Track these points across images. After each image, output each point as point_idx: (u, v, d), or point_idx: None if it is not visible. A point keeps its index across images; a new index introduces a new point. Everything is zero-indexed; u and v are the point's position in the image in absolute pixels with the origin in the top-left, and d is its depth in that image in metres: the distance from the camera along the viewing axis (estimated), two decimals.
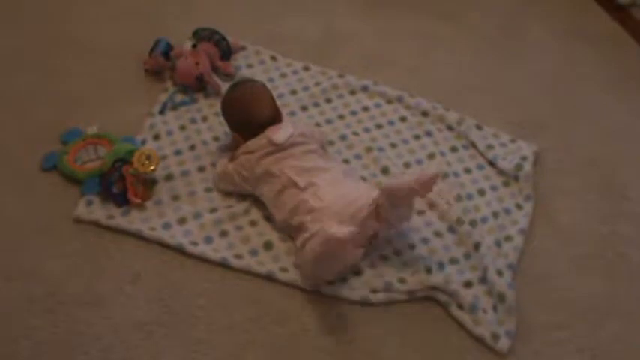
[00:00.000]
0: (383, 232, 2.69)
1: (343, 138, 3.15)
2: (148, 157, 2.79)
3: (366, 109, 3.32)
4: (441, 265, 2.72)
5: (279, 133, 2.78)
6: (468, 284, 2.67)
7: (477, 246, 2.77)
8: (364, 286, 2.62)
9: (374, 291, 2.61)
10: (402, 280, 2.62)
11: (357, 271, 2.66)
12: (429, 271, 2.67)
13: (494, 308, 2.60)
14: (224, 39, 3.37)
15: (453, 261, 2.75)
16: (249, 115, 2.85)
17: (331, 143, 3.12)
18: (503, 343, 2.51)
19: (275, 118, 2.87)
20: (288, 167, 2.71)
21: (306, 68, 3.48)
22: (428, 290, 2.62)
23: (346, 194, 2.63)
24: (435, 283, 2.61)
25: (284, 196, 2.68)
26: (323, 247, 2.33)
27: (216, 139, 3.07)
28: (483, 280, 2.68)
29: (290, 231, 2.71)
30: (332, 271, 2.57)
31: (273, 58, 3.51)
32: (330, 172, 2.75)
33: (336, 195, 2.61)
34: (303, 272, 2.59)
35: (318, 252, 2.35)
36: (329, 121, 3.24)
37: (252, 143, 2.79)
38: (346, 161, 3.04)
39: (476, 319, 2.56)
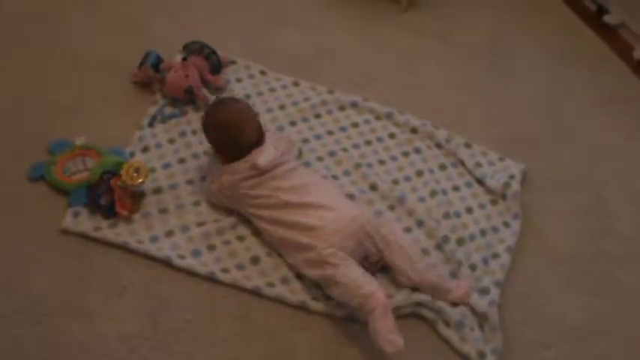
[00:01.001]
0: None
1: (332, 154, 3.15)
2: (137, 170, 2.79)
3: (355, 125, 3.33)
4: None
5: (263, 157, 2.75)
6: (454, 303, 2.67)
7: (459, 266, 2.79)
8: None
9: None
10: (388, 297, 2.62)
11: None
12: (415, 288, 2.67)
13: (480, 326, 2.60)
14: (214, 52, 3.37)
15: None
16: (236, 139, 2.80)
17: (320, 159, 3.12)
18: None
19: (260, 140, 2.84)
20: (275, 188, 2.71)
21: (296, 84, 3.48)
22: (414, 307, 2.63)
23: (345, 212, 2.65)
24: (421, 300, 2.61)
25: (278, 213, 2.67)
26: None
27: (205, 152, 3.06)
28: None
29: (281, 247, 2.71)
30: None
31: (263, 73, 3.51)
32: (321, 188, 2.77)
33: (334, 213, 2.62)
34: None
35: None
36: (318, 137, 3.23)
37: (235, 166, 2.77)
38: (335, 177, 3.04)
39: (462, 337, 2.56)
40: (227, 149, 2.83)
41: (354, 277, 2.50)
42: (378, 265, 2.71)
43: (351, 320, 2.58)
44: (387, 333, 2.37)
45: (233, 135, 2.79)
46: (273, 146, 2.84)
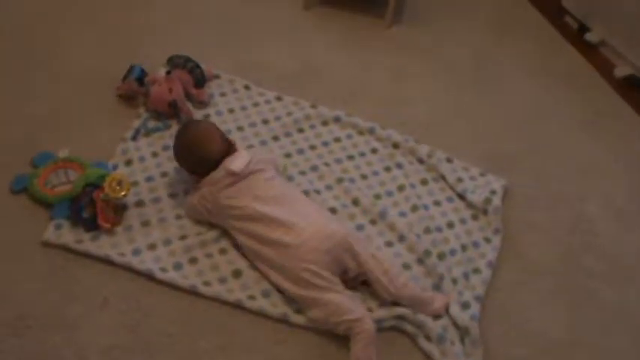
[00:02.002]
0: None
1: (314, 168, 3.16)
2: (119, 183, 2.79)
3: (337, 140, 3.34)
4: None
5: (236, 162, 2.78)
6: (437, 316, 2.68)
7: (441, 279, 2.79)
8: None
9: None
10: (369, 310, 2.63)
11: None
12: (395, 302, 2.68)
13: (462, 340, 2.61)
14: (198, 66, 3.39)
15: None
16: (201, 154, 2.83)
17: (302, 173, 3.14)
18: None
19: (228, 151, 2.87)
20: (253, 197, 2.72)
21: (279, 98, 3.49)
22: (395, 320, 2.63)
23: (321, 227, 2.66)
24: (402, 313, 2.62)
25: (254, 226, 2.68)
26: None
27: None
28: (448, 313, 2.70)
29: (261, 263, 2.72)
30: None
31: (247, 87, 3.52)
32: (299, 201, 2.80)
33: (311, 227, 2.63)
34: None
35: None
36: (300, 152, 3.25)
37: (213, 175, 2.79)
38: (317, 192, 3.06)
39: (443, 351, 2.57)
40: (199, 168, 2.85)
41: (340, 300, 2.53)
42: (358, 280, 2.72)
43: (332, 333, 2.58)
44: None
45: (199, 154, 2.84)
46: (246, 152, 2.88)
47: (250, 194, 2.73)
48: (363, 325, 2.49)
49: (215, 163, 2.81)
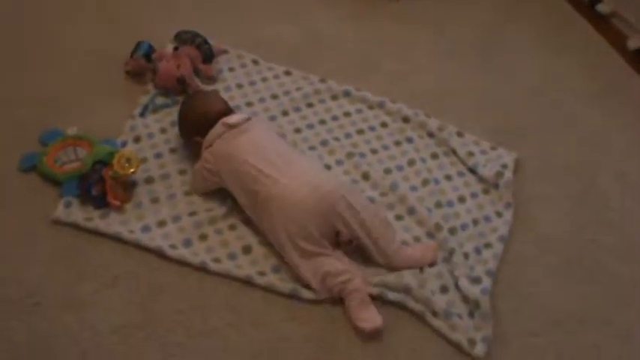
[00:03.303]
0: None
1: (324, 143, 3.15)
2: (128, 160, 2.78)
3: (347, 114, 3.32)
4: (420, 269, 2.73)
5: (233, 117, 2.83)
6: (444, 289, 2.68)
7: (451, 253, 2.78)
8: None
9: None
10: (379, 281, 2.65)
11: None
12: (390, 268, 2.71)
13: (471, 314, 2.61)
14: (206, 42, 3.37)
15: (431, 265, 2.76)
16: (203, 111, 2.88)
17: (312, 148, 3.12)
18: (480, 349, 2.52)
19: (227, 111, 2.92)
20: (248, 152, 2.72)
21: (288, 73, 3.48)
22: (399, 294, 2.62)
23: (317, 187, 2.64)
24: (409, 283, 2.61)
25: (250, 182, 2.68)
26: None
27: None
28: (456, 287, 2.69)
29: (259, 221, 2.72)
30: None
31: (255, 62, 3.51)
32: (295, 159, 2.78)
33: (307, 189, 2.62)
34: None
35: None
36: (310, 126, 3.23)
37: (209, 135, 2.81)
38: (327, 167, 3.05)
39: (452, 326, 2.57)
40: (199, 126, 2.86)
41: (330, 263, 2.59)
42: (352, 245, 2.70)
43: (342, 311, 2.58)
44: (363, 321, 2.52)
45: (199, 110, 2.91)
46: (248, 116, 2.93)
47: (246, 149, 2.73)
48: (354, 284, 2.54)
49: (213, 120, 2.83)
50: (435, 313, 2.59)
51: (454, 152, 3.20)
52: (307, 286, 2.60)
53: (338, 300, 2.59)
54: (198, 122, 2.87)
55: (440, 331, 2.56)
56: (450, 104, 3.47)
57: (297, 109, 3.31)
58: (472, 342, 2.53)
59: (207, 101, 2.95)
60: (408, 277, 2.63)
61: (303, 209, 2.57)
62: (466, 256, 2.78)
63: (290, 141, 3.08)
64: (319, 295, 2.58)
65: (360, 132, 3.25)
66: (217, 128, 2.80)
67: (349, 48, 3.75)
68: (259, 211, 2.67)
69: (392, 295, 2.61)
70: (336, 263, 2.59)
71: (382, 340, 2.53)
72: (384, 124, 3.29)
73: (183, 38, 3.37)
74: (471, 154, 3.18)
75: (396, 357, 2.51)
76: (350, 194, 2.69)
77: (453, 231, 2.86)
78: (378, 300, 2.60)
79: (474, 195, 3.05)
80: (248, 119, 2.86)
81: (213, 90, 3.17)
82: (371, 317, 2.53)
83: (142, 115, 3.14)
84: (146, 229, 2.72)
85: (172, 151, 3.02)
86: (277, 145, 2.83)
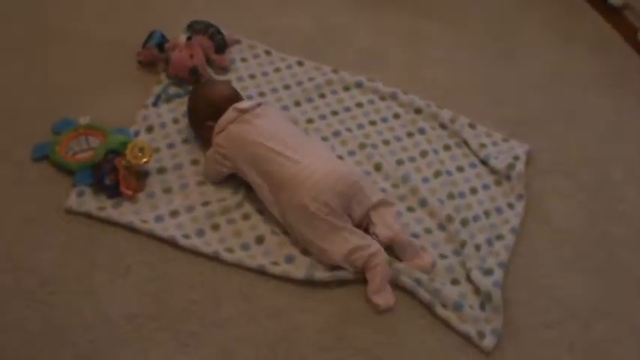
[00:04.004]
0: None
1: (337, 134, 3.15)
2: (141, 149, 2.79)
3: (359, 105, 3.32)
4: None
5: (245, 103, 2.85)
6: (455, 281, 2.69)
7: (463, 245, 2.78)
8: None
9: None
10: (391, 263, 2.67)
11: None
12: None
13: (482, 306, 2.61)
14: (219, 32, 3.37)
15: (443, 257, 2.76)
16: (213, 97, 2.90)
17: (325, 139, 3.12)
18: (489, 341, 2.52)
19: (238, 98, 2.95)
20: (263, 136, 2.73)
21: (300, 63, 3.47)
22: (411, 280, 2.63)
23: (335, 167, 2.70)
24: (418, 277, 2.63)
25: (265, 165, 2.69)
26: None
27: None
28: (468, 279, 2.70)
29: (275, 207, 2.73)
30: None
31: (268, 53, 3.50)
32: (310, 142, 2.84)
33: (325, 169, 2.65)
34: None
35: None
36: (322, 117, 3.23)
37: (221, 120, 2.81)
38: (340, 157, 3.03)
39: (461, 317, 2.57)
40: (210, 112, 2.87)
41: (355, 236, 2.62)
42: (362, 227, 2.73)
43: (357, 302, 2.59)
44: (380, 297, 2.56)
45: (210, 96, 2.93)
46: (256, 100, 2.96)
47: (260, 132, 2.74)
48: (379, 258, 2.57)
49: (223, 107, 2.84)
50: (444, 305, 2.59)
51: (466, 144, 3.20)
52: (321, 271, 2.62)
53: (351, 290, 2.61)
54: (209, 108, 2.88)
55: (449, 322, 2.57)
56: (462, 95, 3.46)
57: (310, 100, 3.30)
58: (481, 334, 2.53)
59: (216, 88, 2.97)
60: (417, 272, 2.65)
61: (324, 187, 2.59)
62: (478, 247, 2.78)
63: (302, 131, 3.07)
64: (347, 268, 2.61)
65: (373, 123, 3.24)
66: (229, 113, 2.81)
67: (362, 39, 3.74)
68: (275, 192, 2.68)
69: (404, 279, 2.62)
70: (362, 236, 2.62)
71: (393, 330, 2.54)
72: (396, 116, 3.29)
73: (196, 28, 3.37)
74: (483, 145, 3.17)
75: (407, 347, 2.51)
76: (363, 180, 2.74)
77: (464, 222, 2.86)
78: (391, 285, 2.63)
79: (485, 187, 3.04)
80: (259, 104, 2.87)
81: (225, 80, 3.16)
82: (386, 295, 2.57)
83: (155, 104, 3.14)
84: (159, 218, 2.72)
85: (185, 141, 3.02)
86: (291, 129, 2.86)
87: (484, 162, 3.13)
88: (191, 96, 3.01)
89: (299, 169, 2.62)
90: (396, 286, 2.63)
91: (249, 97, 3.21)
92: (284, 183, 2.63)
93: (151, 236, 2.67)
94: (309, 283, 2.60)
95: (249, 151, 2.72)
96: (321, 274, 2.60)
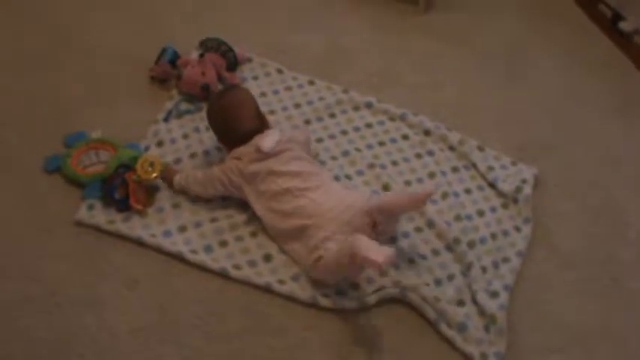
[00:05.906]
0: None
1: (346, 154, 3.16)
2: (151, 164, 2.81)
3: (369, 125, 3.33)
4: (438, 282, 2.74)
5: (267, 140, 2.78)
6: (460, 303, 2.69)
7: (469, 267, 2.79)
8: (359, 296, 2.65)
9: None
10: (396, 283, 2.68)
11: (355, 285, 2.68)
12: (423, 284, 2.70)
13: (486, 328, 2.61)
14: (231, 50, 3.39)
15: (450, 278, 2.77)
16: (233, 126, 2.87)
17: (334, 158, 3.13)
18: None
19: (260, 128, 2.89)
20: (278, 174, 2.72)
21: (312, 82, 3.49)
22: (418, 297, 2.64)
23: (341, 199, 2.68)
24: (425, 295, 2.63)
25: (277, 202, 2.70)
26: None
27: (218, 148, 3.07)
28: (474, 301, 2.70)
29: (280, 235, 2.74)
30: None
31: (280, 71, 3.52)
32: (320, 177, 2.80)
33: (332, 200, 2.66)
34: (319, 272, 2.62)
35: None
36: (332, 137, 3.24)
37: (241, 150, 2.80)
38: (348, 177, 3.05)
39: (465, 338, 2.57)
40: (228, 136, 2.89)
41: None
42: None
43: (362, 320, 2.60)
44: (375, 254, 2.32)
45: (229, 122, 2.88)
46: (277, 130, 2.91)
47: (276, 170, 2.73)
48: (357, 240, 2.40)
49: (244, 138, 2.82)
50: (449, 325, 2.60)
51: (474, 166, 3.20)
52: (326, 295, 2.62)
53: (357, 310, 2.61)
54: (227, 133, 2.90)
55: (453, 342, 2.57)
56: (472, 118, 3.47)
57: (320, 119, 3.32)
58: (484, 356, 2.53)
59: (240, 115, 2.89)
60: (425, 290, 2.65)
61: (338, 224, 2.59)
62: (484, 270, 2.78)
63: (312, 150, 3.09)
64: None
65: (382, 143, 3.25)
66: (250, 150, 2.78)
67: (373, 59, 3.75)
68: (285, 226, 2.69)
69: (411, 296, 2.63)
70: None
71: (399, 351, 2.54)
72: (405, 137, 3.30)
73: (209, 45, 3.40)
74: (491, 168, 3.18)
75: None
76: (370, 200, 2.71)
77: (471, 244, 2.86)
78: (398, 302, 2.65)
79: (493, 209, 3.05)
80: (279, 140, 2.81)
81: (246, 90, 3.07)
82: (381, 249, 2.35)
83: (166, 120, 3.16)
84: (167, 233, 2.74)
85: (192, 156, 3.05)
86: (308, 167, 2.82)
87: (492, 185, 3.13)
88: (216, 102, 2.96)
89: (305, 202, 2.67)
90: (403, 302, 2.65)
91: (271, 112, 3.27)
92: (288, 215, 2.68)
93: (159, 250, 2.69)
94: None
95: (261, 186, 2.74)
96: (326, 302, 2.61)
